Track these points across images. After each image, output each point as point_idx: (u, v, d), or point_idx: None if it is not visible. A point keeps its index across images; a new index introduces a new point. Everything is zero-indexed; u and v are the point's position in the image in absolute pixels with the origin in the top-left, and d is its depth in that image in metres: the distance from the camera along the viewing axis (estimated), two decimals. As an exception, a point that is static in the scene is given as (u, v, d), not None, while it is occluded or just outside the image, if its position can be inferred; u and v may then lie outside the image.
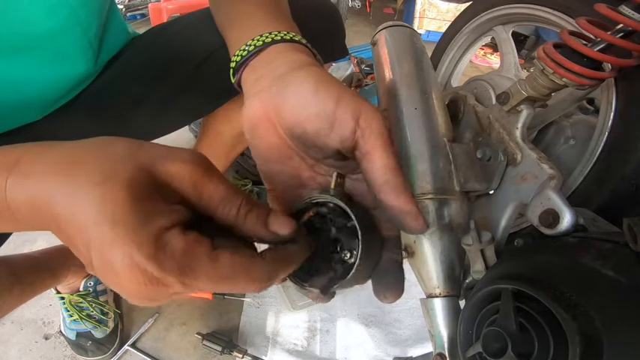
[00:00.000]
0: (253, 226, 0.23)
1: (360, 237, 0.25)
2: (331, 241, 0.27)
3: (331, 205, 0.26)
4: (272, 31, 0.33)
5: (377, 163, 0.25)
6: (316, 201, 0.27)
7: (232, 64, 0.34)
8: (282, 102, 0.27)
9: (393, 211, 0.25)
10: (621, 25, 0.44)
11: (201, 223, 0.22)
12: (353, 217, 0.25)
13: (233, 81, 0.35)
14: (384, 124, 0.26)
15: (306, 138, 0.27)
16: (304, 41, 0.34)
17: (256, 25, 0.34)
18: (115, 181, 0.19)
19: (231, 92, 0.67)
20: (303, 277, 0.27)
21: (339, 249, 0.26)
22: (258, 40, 0.33)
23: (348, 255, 0.25)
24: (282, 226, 0.24)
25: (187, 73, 0.63)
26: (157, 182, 0.21)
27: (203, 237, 0.21)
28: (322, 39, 0.38)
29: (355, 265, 0.25)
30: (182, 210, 0.21)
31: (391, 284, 0.28)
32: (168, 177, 0.21)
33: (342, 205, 0.25)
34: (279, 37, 0.33)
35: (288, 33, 0.33)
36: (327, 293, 0.26)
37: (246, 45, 0.33)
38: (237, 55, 0.34)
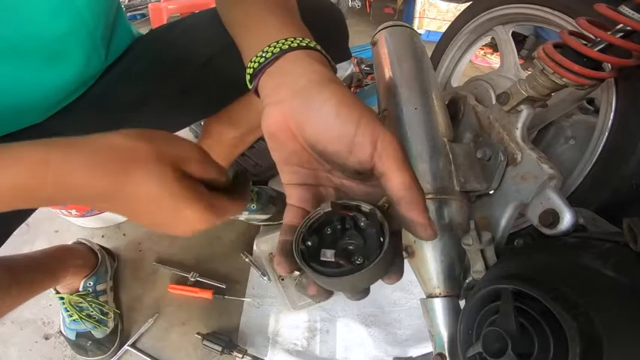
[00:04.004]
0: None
1: (382, 251, 0.27)
2: (353, 243, 0.30)
3: (368, 211, 0.29)
4: (287, 37, 0.34)
5: (393, 182, 0.28)
6: (357, 206, 0.30)
7: (249, 71, 0.35)
8: (305, 119, 0.30)
9: (406, 222, 0.28)
10: (621, 25, 0.44)
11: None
12: (385, 230, 0.28)
13: (250, 87, 0.36)
14: (399, 147, 0.29)
15: (325, 155, 0.30)
16: (319, 47, 0.35)
17: (270, 30, 0.35)
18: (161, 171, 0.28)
19: (234, 94, 0.66)
20: (314, 265, 0.28)
21: (356, 252, 0.29)
22: (275, 47, 0.33)
23: (361, 260, 0.27)
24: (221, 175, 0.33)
25: (191, 75, 0.63)
26: (183, 172, 0.29)
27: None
28: (326, 41, 0.38)
29: (369, 266, 0.27)
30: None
31: (395, 269, 0.30)
32: (190, 170, 0.30)
33: (381, 217, 0.28)
34: (296, 44, 0.33)
35: (303, 39, 0.34)
36: (329, 284, 0.28)
37: (263, 52, 0.34)
38: (254, 62, 0.34)
